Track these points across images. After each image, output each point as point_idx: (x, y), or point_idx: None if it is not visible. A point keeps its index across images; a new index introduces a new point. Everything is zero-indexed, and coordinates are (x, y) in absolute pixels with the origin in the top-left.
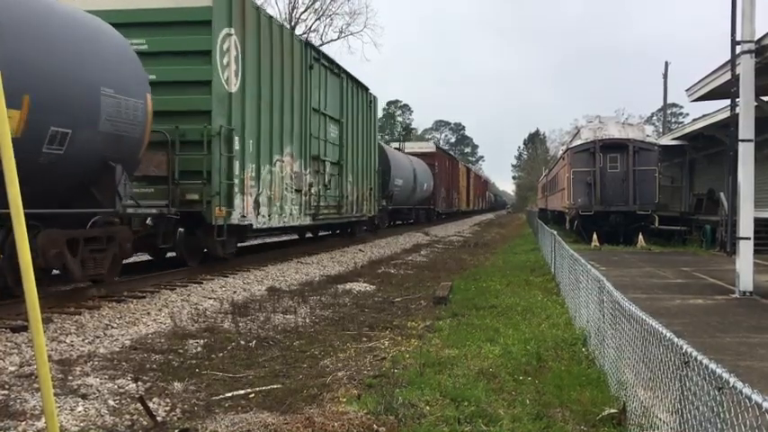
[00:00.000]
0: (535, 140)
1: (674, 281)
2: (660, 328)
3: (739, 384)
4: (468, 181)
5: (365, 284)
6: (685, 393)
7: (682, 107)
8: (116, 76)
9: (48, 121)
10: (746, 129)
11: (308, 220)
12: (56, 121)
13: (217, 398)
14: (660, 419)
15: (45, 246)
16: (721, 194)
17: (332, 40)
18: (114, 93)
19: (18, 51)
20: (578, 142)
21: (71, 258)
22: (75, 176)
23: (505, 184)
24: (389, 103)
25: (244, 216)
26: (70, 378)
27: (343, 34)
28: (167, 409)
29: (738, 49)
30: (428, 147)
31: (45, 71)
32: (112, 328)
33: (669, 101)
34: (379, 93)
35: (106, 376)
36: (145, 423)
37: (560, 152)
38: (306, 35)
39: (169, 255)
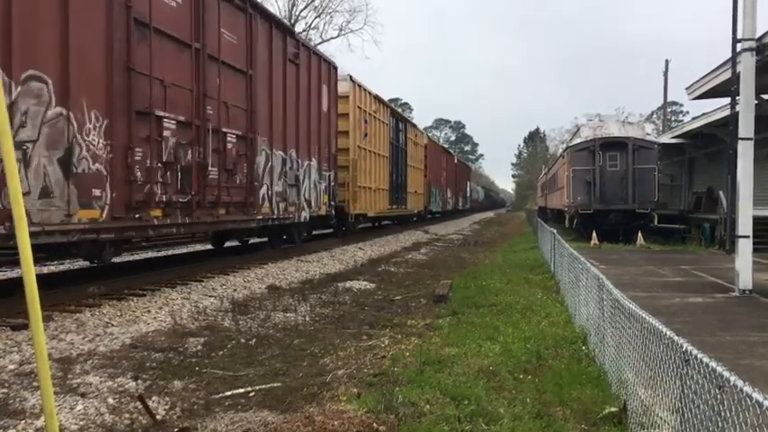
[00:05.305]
0: (535, 139)
1: (673, 279)
2: (660, 327)
3: (740, 383)
4: (407, 152)
5: (365, 282)
6: (686, 392)
7: (681, 105)
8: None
9: None
10: (746, 127)
11: None
12: None
13: (217, 396)
14: (661, 418)
15: None
16: (720, 193)
17: (332, 38)
18: None
19: None
20: (578, 141)
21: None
22: None
23: (505, 182)
24: (389, 101)
25: None
26: (70, 376)
27: (343, 32)
28: (167, 407)
29: (739, 46)
30: None
31: None
32: (113, 326)
33: (669, 99)
34: (379, 91)
35: (106, 375)
36: (144, 422)
37: (560, 150)
38: (306, 32)
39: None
